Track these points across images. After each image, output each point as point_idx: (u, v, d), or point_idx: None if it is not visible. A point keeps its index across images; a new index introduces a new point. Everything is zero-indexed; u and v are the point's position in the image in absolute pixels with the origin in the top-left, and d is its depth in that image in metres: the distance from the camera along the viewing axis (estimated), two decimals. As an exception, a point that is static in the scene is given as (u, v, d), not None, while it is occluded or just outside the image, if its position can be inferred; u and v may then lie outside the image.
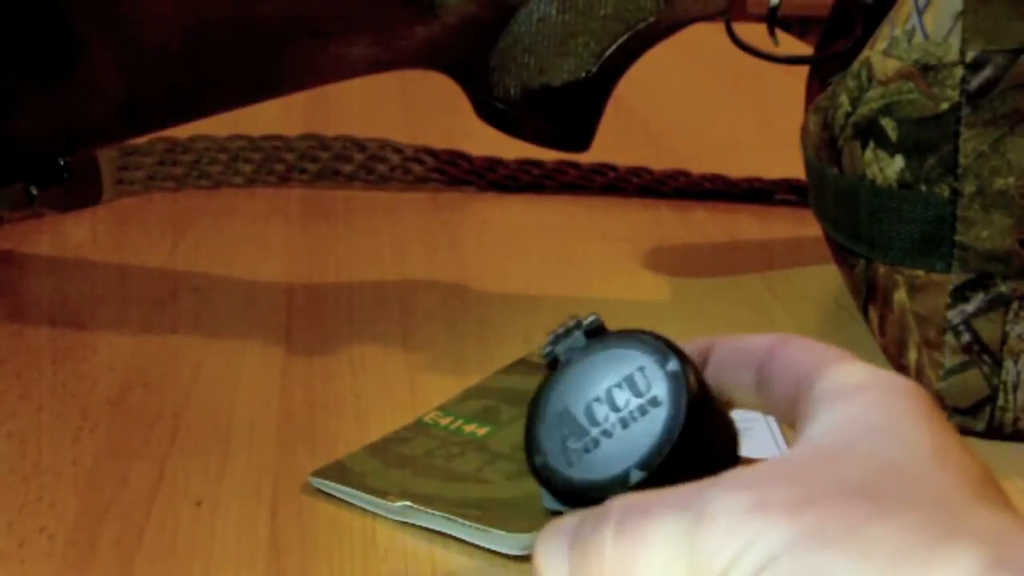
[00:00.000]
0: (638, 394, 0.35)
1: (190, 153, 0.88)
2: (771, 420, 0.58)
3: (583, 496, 0.35)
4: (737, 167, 0.87)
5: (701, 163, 0.88)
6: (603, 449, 0.35)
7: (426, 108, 0.99)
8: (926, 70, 0.56)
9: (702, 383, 0.36)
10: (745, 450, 0.56)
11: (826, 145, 0.61)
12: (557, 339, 0.38)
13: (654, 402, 0.35)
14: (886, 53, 0.58)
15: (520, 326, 0.67)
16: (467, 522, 0.49)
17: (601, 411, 0.35)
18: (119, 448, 0.57)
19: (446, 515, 0.50)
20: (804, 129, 0.65)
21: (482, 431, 0.56)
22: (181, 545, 0.50)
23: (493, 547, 0.49)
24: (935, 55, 0.56)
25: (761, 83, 1.03)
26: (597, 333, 0.38)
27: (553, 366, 0.37)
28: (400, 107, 1.03)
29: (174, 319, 0.69)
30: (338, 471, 0.54)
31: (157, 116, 0.70)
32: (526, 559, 0.48)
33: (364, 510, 0.52)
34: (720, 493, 0.33)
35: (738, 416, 0.59)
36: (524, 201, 0.87)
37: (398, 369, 0.63)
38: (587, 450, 0.35)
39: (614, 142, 0.84)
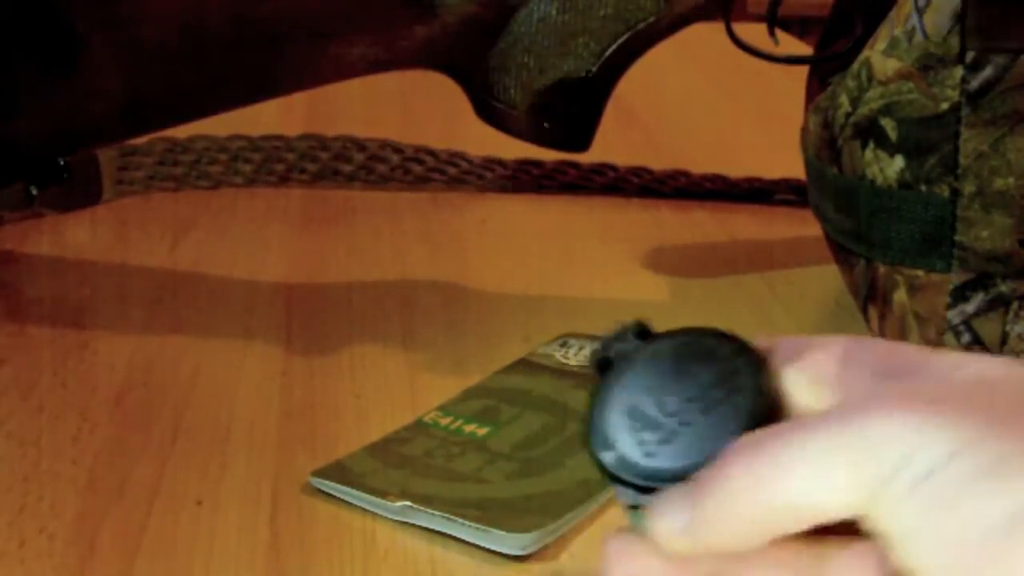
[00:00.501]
0: (712, 383, 0.35)
1: (190, 153, 0.88)
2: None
3: (670, 483, 0.34)
4: (737, 167, 0.87)
5: (701, 163, 0.88)
6: (685, 437, 0.34)
7: (426, 108, 0.99)
8: (926, 70, 0.56)
9: (771, 366, 0.35)
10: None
11: (826, 145, 0.61)
12: (608, 344, 0.37)
13: (733, 388, 0.34)
14: (886, 53, 0.58)
15: (520, 326, 0.67)
16: (467, 522, 0.49)
17: (674, 402, 0.35)
18: (119, 448, 0.57)
19: (446, 515, 0.50)
20: (804, 129, 0.65)
21: (482, 431, 0.56)
22: (181, 545, 0.50)
23: (493, 547, 0.49)
24: (935, 55, 0.56)
25: (761, 83, 1.03)
26: (646, 335, 0.37)
27: (603, 368, 0.37)
28: (400, 107, 1.03)
29: (174, 319, 0.69)
30: (338, 471, 0.54)
31: (157, 116, 0.70)
32: (526, 559, 0.48)
33: (364, 510, 0.52)
34: (881, 403, 0.31)
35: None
36: (524, 201, 0.87)
37: (398, 369, 0.63)
38: (667, 441, 0.35)
39: (614, 142, 0.84)
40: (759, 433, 0.32)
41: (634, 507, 0.36)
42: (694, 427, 0.34)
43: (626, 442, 0.35)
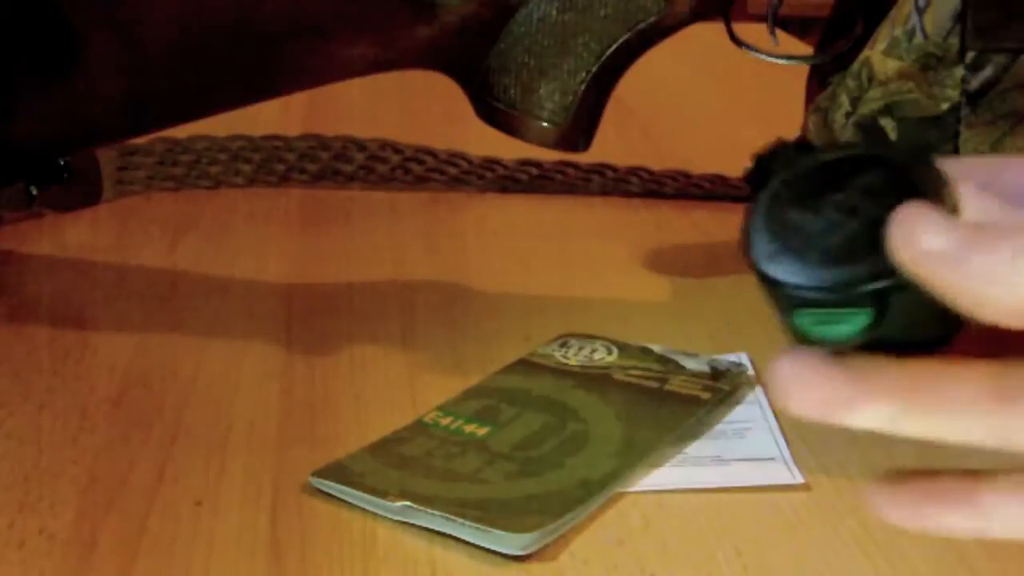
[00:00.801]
0: (874, 188, 0.32)
1: (190, 153, 0.88)
2: (771, 420, 0.58)
3: (842, 286, 0.31)
4: (737, 167, 0.87)
5: (701, 163, 0.88)
6: (844, 241, 0.31)
7: (426, 108, 0.99)
8: (926, 70, 0.56)
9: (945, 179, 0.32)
10: (744, 450, 0.56)
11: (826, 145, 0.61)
12: (763, 156, 0.35)
13: (900, 193, 0.31)
14: (886, 53, 0.58)
15: (520, 326, 0.67)
16: (467, 522, 0.49)
17: (830, 207, 0.32)
18: (119, 448, 0.57)
19: (446, 515, 0.50)
20: (804, 129, 0.65)
21: (482, 431, 0.56)
22: (181, 545, 0.50)
23: (493, 547, 0.49)
24: (935, 55, 0.56)
25: (761, 83, 1.03)
26: (807, 150, 0.34)
27: (758, 183, 0.35)
28: (400, 107, 1.03)
29: (174, 319, 0.69)
30: (338, 471, 0.54)
31: (157, 116, 0.70)
32: (526, 559, 0.48)
33: (364, 510, 0.52)
34: None
35: (737, 416, 0.59)
36: (524, 201, 0.87)
37: (398, 369, 0.63)
38: (822, 245, 0.32)
39: (614, 142, 0.84)
40: None
41: (801, 318, 0.33)
42: (852, 230, 0.31)
43: (780, 248, 0.33)
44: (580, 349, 0.63)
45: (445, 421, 0.57)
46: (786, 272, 0.33)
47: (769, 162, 0.35)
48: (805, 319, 0.33)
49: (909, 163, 0.32)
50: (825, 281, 0.32)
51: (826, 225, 0.32)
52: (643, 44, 0.67)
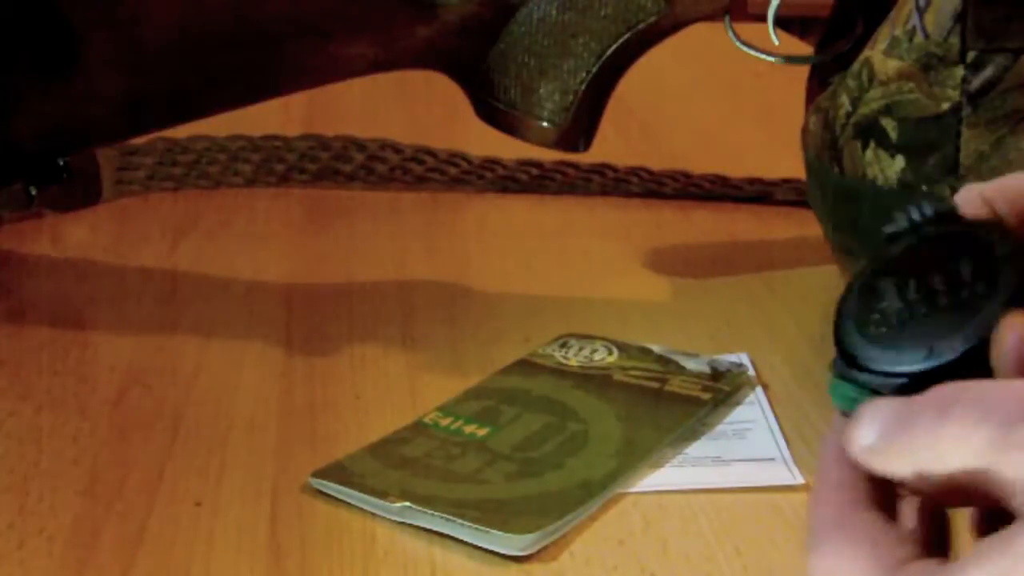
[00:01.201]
0: (964, 277, 0.33)
1: (190, 153, 0.88)
2: (771, 420, 0.58)
3: (872, 367, 0.33)
4: (737, 167, 0.87)
5: (701, 163, 0.88)
6: (908, 328, 0.33)
7: (426, 108, 0.99)
8: (927, 70, 0.56)
9: None
10: (744, 451, 0.56)
11: (827, 145, 0.61)
12: (901, 217, 0.36)
13: (983, 283, 0.33)
14: (886, 53, 0.58)
15: (520, 326, 0.67)
16: (467, 523, 0.49)
17: (917, 290, 0.34)
18: (119, 448, 0.57)
19: (446, 516, 0.50)
20: (804, 129, 0.65)
21: (482, 432, 0.56)
22: (181, 545, 0.50)
23: (493, 547, 0.49)
24: (936, 55, 0.56)
25: (761, 83, 1.03)
26: (946, 219, 0.35)
27: (890, 241, 0.36)
28: (400, 107, 1.03)
29: (174, 319, 0.69)
30: (338, 471, 0.53)
31: (157, 116, 0.70)
32: (526, 559, 0.48)
33: (364, 510, 0.52)
34: None
35: (738, 416, 0.59)
36: (524, 201, 0.87)
37: (398, 369, 0.63)
38: (892, 326, 0.33)
39: (614, 142, 0.84)
40: (993, 391, 0.31)
41: (845, 392, 0.34)
42: (923, 320, 0.33)
43: (859, 319, 0.34)
44: (580, 349, 0.63)
45: (445, 422, 0.57)
46: (847, 340, 0.34)
47: (902, 222, 0.36)
48: (836, 389, 0.35)
49: (1004, 250, 0.33)
50: (867, 359, 0.34)
51: (889, 311, 0.34)
52: (643, 44, 0.67)
